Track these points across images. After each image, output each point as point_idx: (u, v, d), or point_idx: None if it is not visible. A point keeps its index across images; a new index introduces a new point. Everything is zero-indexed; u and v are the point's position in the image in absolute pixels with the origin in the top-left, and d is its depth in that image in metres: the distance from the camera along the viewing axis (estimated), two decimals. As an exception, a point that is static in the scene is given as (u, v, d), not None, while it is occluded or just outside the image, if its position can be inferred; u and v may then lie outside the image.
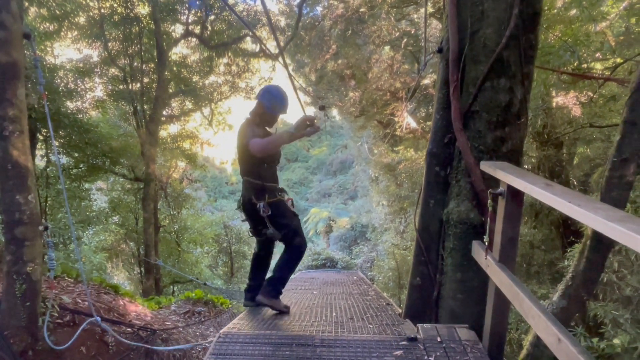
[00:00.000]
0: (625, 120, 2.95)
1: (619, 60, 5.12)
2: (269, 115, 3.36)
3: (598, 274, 3.47)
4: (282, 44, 12.09)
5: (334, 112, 16.29)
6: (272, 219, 3.25)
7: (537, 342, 3.40)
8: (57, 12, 9.44)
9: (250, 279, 3.71)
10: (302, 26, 11.94)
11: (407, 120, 10.77)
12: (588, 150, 6.73)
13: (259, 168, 3.26)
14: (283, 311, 3.44)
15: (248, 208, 3.34)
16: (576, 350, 1.46)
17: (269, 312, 3.53)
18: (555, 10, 5.40)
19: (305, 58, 13.19)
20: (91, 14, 10.21)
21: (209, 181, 45.17)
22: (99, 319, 3.44)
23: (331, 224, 31.20)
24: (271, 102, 3.31)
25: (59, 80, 9.11)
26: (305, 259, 14.75)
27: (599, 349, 3.51)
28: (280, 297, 3.52)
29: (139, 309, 4.75)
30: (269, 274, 3.54)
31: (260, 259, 3.72)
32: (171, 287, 13.31)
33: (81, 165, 10.34)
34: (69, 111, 8.99)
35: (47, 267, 5.17)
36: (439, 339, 2.54)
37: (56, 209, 9.38)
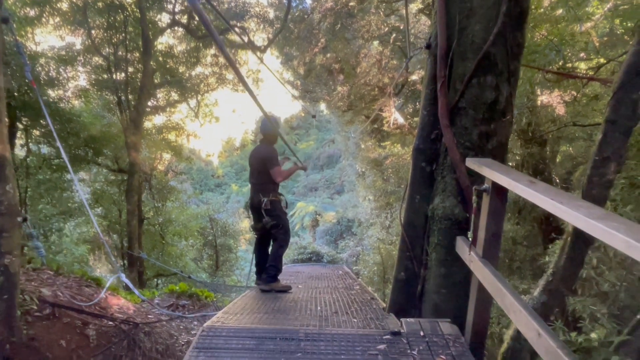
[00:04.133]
0: (607, 119, 3.00)
1: (602, 60, 5.20)
2: (272, 135, 4.62)
3: (578, 270, 3.55)
4: (270, 36, 11.96)
5: (322, 106, 16.26)
6: (269, 212, 4.36)
7: (518, 336, 3.46)
8: (39, -4, 9.16)
9: (256, 264, 4.73)
10: (291, 19, 11.83)
11: (394, 115, 10.80)
12: (571, 148, 6.85)
13: (269, 178, 4.41)
14: (284, 290, 4.33)
15: (256, 204, 4.42)
16: (555, 344, 1.49)
17: (254, 304, 3.59)
18: (542, 10, 5.45)
19: (294, 51, 13.09)
20: (74, -1, 9.93)
21: (195, 174, 44.74)
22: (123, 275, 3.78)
23: (317, 218, 31.28)
24: (267, 126, 4.54)
25: (40, 68, 8.86)
26: (291, 253, 14.77)
27: (577, 343, 3.59)
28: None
29: (121, 302, 4.68)
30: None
31: (260, 248, 4.71)
32: (155, 280, 13.16)
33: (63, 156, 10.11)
34: (50, 100, 8.77)
35: (30, 257, 5.06)
36: (422, 333, 2.56)
37: (36, 199, 9.16)
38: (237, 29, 12.07)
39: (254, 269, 4.74)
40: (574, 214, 1.35)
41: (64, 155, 4.08)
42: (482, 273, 2.16)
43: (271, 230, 4.45)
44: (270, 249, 4.57)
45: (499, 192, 2.14)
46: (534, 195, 1.65)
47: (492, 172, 2.09)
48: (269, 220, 4.35)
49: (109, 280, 4.38)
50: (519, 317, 1.76)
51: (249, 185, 4.66)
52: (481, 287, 2.22)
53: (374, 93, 12.04)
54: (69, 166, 3.96)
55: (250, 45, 12.44)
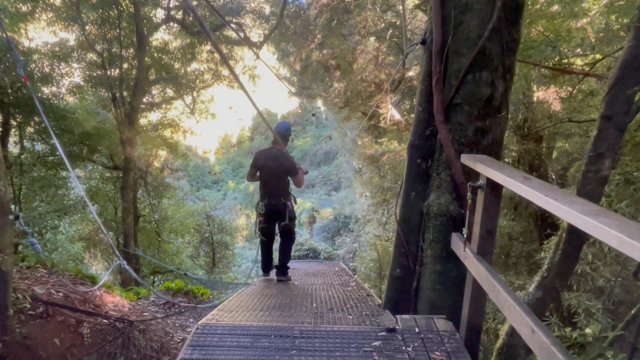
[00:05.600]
0: (601, 115, 3.00)
1: (598, 56, 5.19)
2: (287, 138, 5.13)
3: (573, 266, 3.56)
4: (266, 32, 11.90)
5: (319, 102, 16.21)
6: (290, 214, 4.82)
7: (513, 332, 3.47)
8: (31, -9, 9.05)
9: (263, 259, 5.14)
10: (287, 15, 11.76)
11: (391, 112, 10.77)
12: (567, 144, 6.86)
13: (287, 182, 4.91)
14: (290, 279, 5.02)
15: (281, 207, 4.75)
16: (549, 340, 1.49)
17: (250, 302, 3.61)
18: (538, 5, 5.44)
19: (290, 47, 13.03)
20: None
21: (192, 170, 44.67)
22: (124, 263, 3.77)
23: (314, 215, 31.33)
24: (289, 130, 5.21)
25: (33, 65, 8.77)
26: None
27: (572, 338, 3.61)
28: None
29: (116, 300, 4.66)
30: (278, 261, 5.08)
31: (268, 246, 5.09)
32: (151, 277, 13.13)
33: (57, 153, 10.04)
34: (44, 97, 8.69)
35: (24, 255, 5.02)
36: (417, 330, 2.56)
37: (31, 197, 9.10)
38: (232, 25, 12.00)
39: (249, 265, 4.95)
40: (567, 210, 1.34)
41: (61, 151, 4.03)
42: (476, 269, 2.15)
43: (284, 230, 4.93)
44: (281, 249, 5.07)
45: (494, 188, 2.13)
46: (528, 192, 1.65)
47: (486, 169, 2.08)
48: (288, 222, 4.82)
49: (110, 268, 4.36)
50: (513, 313, 1.76)
51: (262, 187, 4.87)
52: (476, 284, 2.22)
53: (370, 89, 12.01)
54: (67, 162, 3.90)
55: (247, 42, 12.36)
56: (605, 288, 4.15)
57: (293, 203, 4.96)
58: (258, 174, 4.91)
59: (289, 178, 4.90)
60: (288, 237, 5.01)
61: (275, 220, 4.85)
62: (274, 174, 4.75)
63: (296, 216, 5.10)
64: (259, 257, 5.17)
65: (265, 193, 4.80)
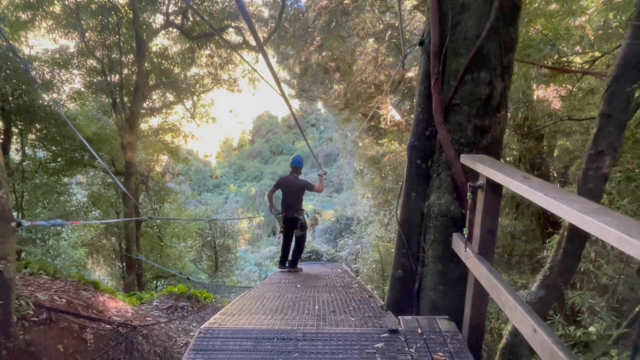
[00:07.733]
0: (601, 113, 2.99)
1: (597, 54, 5.18)
2: (301, 169, 6.55)
3: (575, 264, 3.54)
4: (265, 34, 11.93)
5: (319, 104, 16.23)
6: (302, 225, 6.27)
7: (516, 331, 3.46)
8: (31, -1, 9.10)
9: (282, 256, 6.72)
10: (286, 17, 11.79)
11: (391, 113, 10.78)
12: (567, 142, 6.85)
13: (302, 200, 6.40)
14: (299, 271, 6.54)
15: (295, 219, 6.23)
16: (551, 340, 1.49)
17: (252, 305, 3.62)
18: (536, 4, 5.44)
19: (290, 50, 13.05)
20: (67, 2, 9.86)
21: (193, 174, 44.71)
22: (142, 257, 3.77)
23: (316, 217, 31.27)
24: (301, 163, 6.59)
25: (34, 72, 8.82)
26: (291, 253, 14.73)
27: (576, 337, 3.59)
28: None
29: (119, 305, 4.66)
30: (291, 256, 6.68)
31: (286, 246, 6.59)
32: (154, 282, 13.14)
33: (59, 159, 10.08)
34: (45, 103, 8.73)
35: (26, 262, 5.04)
36: (419, 331, 2.56)
37: (33, 203, 9.13)
38: (233, 28, 12.04)
39: (252, 268, 5.11)
40: (567, 209, 1.34)
41: (98, 158, 4.02)
42: (478, 269, 2.15)
43: (297, 235, 6.34)
44: (294, 248, 6.54)
45: (494, 188, 2.13)
46: (528, 191, 1.65)
47: (486, 169, 2.08)
48: (299, 231, 6.28)
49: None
50: (514, 313, 1.76)
51: (283, 203, 6.31)
52: (477, 284, 2.22)
53: (370, 91, 12.01)
54: (97, 157, 3.90)
55: (247, 44, 12.39)
56: (608, 286, 4.13)
57: (305, 217, 6.41)
58: (277, 192, 6.34)
59: (303, 197, 6.41)
60: (300, 240, 6.44)
61: (291, 227, 6.29)
62: (293, 193, 6.24)
63: (307, 226, 6.48)
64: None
65: (285, 207, 6.28)
